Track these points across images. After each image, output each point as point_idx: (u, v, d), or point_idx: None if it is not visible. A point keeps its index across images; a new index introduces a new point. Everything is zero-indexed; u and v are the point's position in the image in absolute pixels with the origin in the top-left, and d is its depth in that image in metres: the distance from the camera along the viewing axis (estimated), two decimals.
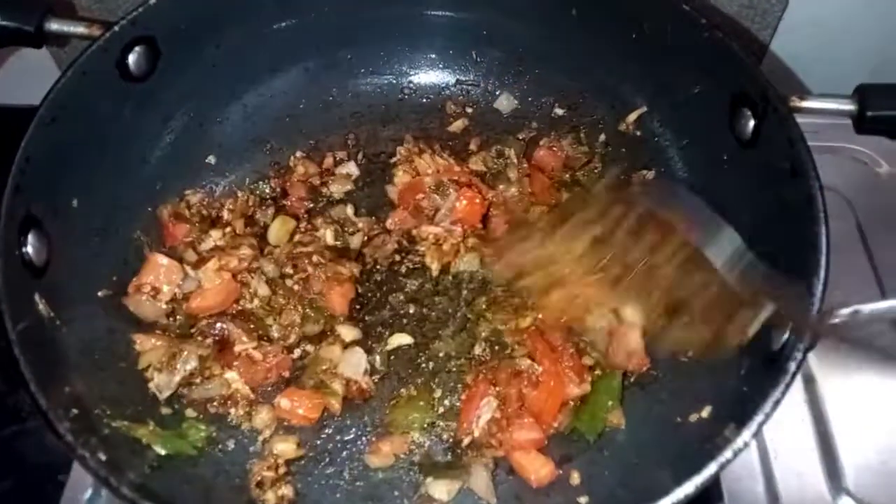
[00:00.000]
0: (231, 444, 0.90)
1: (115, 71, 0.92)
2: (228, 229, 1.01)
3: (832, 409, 0.98)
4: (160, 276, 0.94)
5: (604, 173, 1.08)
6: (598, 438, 0.90)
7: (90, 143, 0.92)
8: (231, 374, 0.91)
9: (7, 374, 0.73)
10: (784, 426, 0.96)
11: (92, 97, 0.91)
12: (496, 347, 0.95)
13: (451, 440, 0.91)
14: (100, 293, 0.93)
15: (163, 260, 0.95)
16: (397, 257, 1.02)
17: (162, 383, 0.89)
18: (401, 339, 0.97)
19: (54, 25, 0.95)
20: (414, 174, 1.04)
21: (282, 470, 0.88)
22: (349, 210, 1.05)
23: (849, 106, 0.91)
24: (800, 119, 0.85)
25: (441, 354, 0.96)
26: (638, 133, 1.08)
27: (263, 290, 0.96)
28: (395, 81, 1.15)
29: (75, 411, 0.77)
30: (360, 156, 1.11)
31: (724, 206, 0.96)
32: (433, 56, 1.15)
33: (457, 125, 1.13)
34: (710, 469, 0.70)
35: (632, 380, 0.94)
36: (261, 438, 0.90)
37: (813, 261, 0.77)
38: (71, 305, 0.86)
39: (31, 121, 0.85)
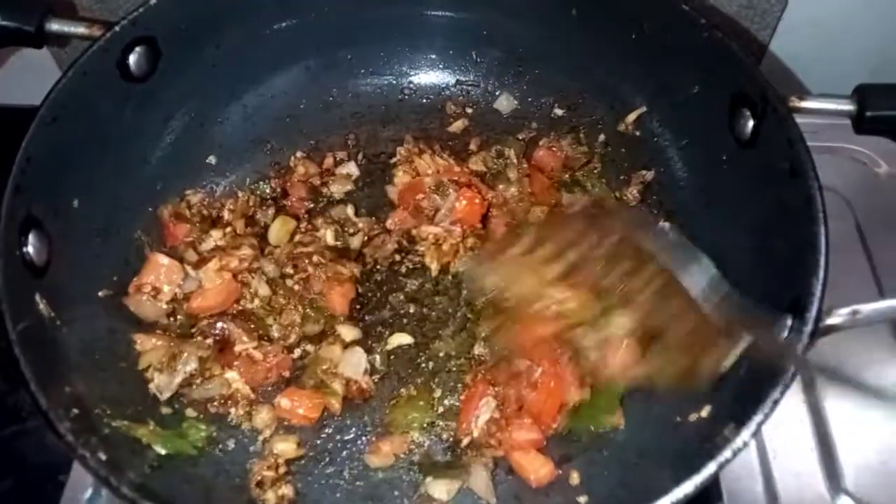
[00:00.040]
0: (231, 444, 0.90)
1: (115, 71, 0.93)
2: (229, 229, 1.01)
3: (831, 410, 0.98)
4: (161, 276, 0.94)
5: (603, 173, 1.08)
6: (597, 438, 0.90)
7: (91, 143, 0.92)
8: (231, 374, 0.91)
9: (7, 373, 0.73)
10: (783, 426, 0.96)
11: (93, 97, 0.91)
12: (496, 347, 0.95)
13: (450, 440, 0.91)
14: (100, 293, 0.93)
15: (163, 260, 0.95)
16: (397, 257, 1.02)
17: (162, 384, 0.89)
18: (401, 339, 0.97)
19: (55, 25, 0.95)
20: (414, 174, 1.04)
21: (282, 469, 0.88)
22: (349, 210, 1.05)
23: (848, 106, 0.91)
24: (799, 119, 0.85)
25: (441, 354, 0.96)
26: (637, 133, 1.08)
27: (264, 290, 0.96)
28: (395, 82, 1.15)
29: (76, 411, 0.77)
30: (360, 156, 1.11)
31: (724, 207, 0.97)
32: (433, 56, 1.15)
33: (457, 125, 1.13)
34: (710, 469, 0.70)
35: None
36: (261, 438, 0.90)
37: (812, 261, 0.77)
38: (71, 305, 0.86)
39: (31, 121, 0.85)
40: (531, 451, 0.88)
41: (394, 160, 1.08)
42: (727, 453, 0.70)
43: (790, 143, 0.83)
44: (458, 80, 1.16)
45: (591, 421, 0.90)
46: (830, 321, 0.76)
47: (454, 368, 0.95)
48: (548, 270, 0.87)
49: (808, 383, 0.99)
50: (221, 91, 1.07)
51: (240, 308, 0.96)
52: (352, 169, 1.09)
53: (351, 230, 1.03)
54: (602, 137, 1.10)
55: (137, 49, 0.94)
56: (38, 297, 0.82)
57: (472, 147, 1.11)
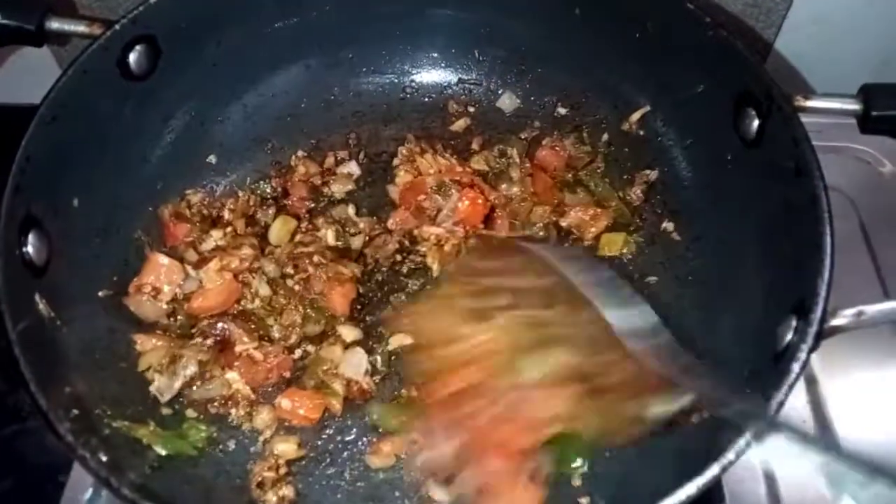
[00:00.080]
0: (232, 445, 0.90)
1: (115, 70, 0.92)
2: (229, 229, 1.01)
3: (834, 410, 0.97)
4: (161, 275, 0.94)
5: (607, 173, 1.07)
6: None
7: (91, 142, 0.92)
8: (232, 375, 0.91)
9: (7, 373, 0.72)
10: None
11: (92, 96, 0.90)
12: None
13: None
14: (100, 293, 0.92)
15: (164, 260, 0.95)
16: (398, 257, 1.02)
17: (163, 386, 0.89)
18: (402, 340, 0.96)
19: (55, 24, 0.95)
20: (416, 174, 1.04)
21: (283, 470, 0.88)
22: (350, 210, 1.05)
23: (853, 105, 0.91)
24: (804, 118, 0.84)
25: None
26: (641, 132, 1.07)
27: (264, 291, 0.96)
28: (396, 80, 1.15)
29: (75, 411, 0.77)
30: (361, 155, 1.11)
31: (728, 206, 0.96)
32: (435, 55, 1.15)
33: (459, 124, 1.13)
34: (713, 470, 0.69)
35: None
36: (261, 439, 0.90)
37: (817, 261, 0.77)
38: (71, 305, 0.85)
39: (31, 120, 0.84)
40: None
41: (395, 160, 1.08)
42: (730, 455, 0.70)
43: (795, 143, 0.82)
44: (460, 79, 1.15)
45: (562, 466, 0.87)
46: (835, 322, 0.75)
47: None
48: (466, 308, 0.83)
49: (811, 382, 0.99)
50: (222, 90, 1.07)
51: (240, 308, 0.96)
52: (353, 168, 1.09)
53: (352, 230, 1.03)
54: (605, 137, 1.09)
55: (137, 47, 0.93)
56: (37, 297, 0.81)
57: (475, 146, 1.10)
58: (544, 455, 0.84)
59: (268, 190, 1.06)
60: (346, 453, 0.90)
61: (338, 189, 1.07)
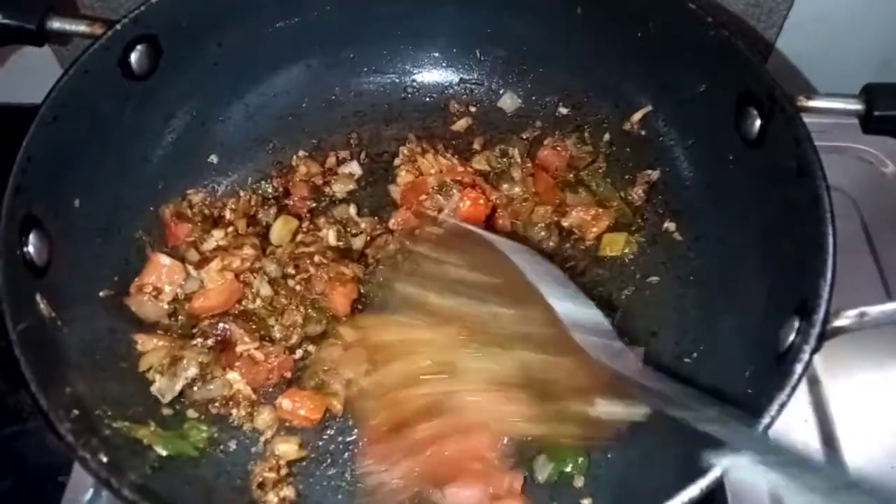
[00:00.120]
0: (233, 445, 0.90)
1: (116, 69, 0.92)
2: (231, 229, 1.01)
3: (837, 411, 0.97)
4: (162, 276, 0.94)
5: (608, 173, 1.07)
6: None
7: (92, 142, 0.92)
8: (233, 375, 0.91)
9: (8, 374, 0.72)
10: (788, 427, 0.95)
11: (94, 96, 0.90)
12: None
13: None
14: (101, 293, 0.92)
15: (165, 260, 0.94)
16: (400, 258, 1.02)
17: (164, 387, 0.89)
18: None
19: (56, 24, 0.95)
20: (417, 174, 1.04)
21: (283, 471, 0.88)
22: (352, 210, 1.04)
23: (856, 105, 0.90)
24: (805, 118, 0.84)
25: None
26: (643, 132, 1.07)
27: (265, 291, 0.96)
28: (398, 80, 1.15)
29: (76, 412, 0.77)
30: (362, 155, 1.10)
31: (730, 206, 0.96)
32: (436, 55, 1.14)
33: (460, 124, 1.13)
34: (715, 472, 0.69)
35: None
36: (262, 439, 0.90)
37: (819, 262, 0.76)
38: (72, 305, 0.85)
39: (32, 120, 0.84)
40: None
41: (397, 160, 1.07)
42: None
43: (797, 143, 0.82)
44: (461, 79, 1.15)
45: (560, 465, 0.88)
46: (838, 323, 0.75)
47: None
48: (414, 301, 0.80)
49: (813, 383, 0.98)
50: (223, 90, 1.07)
51: (241, 308, 0.96)
52: (354, 168, 1.09)
53: (353, 230, 1.03)
54: (607, 137, 1.09)
55: (139, 47, 0.93)
56: (38, 297, 0.81)
57: (476, 146, 1.10)
58: (516, 461, 0.85)
59: (269, 190, 1.06)
60: (347, 454, 0.90)
61: (339, 189, 1.07)
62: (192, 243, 0.99)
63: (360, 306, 0.98)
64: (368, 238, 1.02)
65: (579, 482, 0.87)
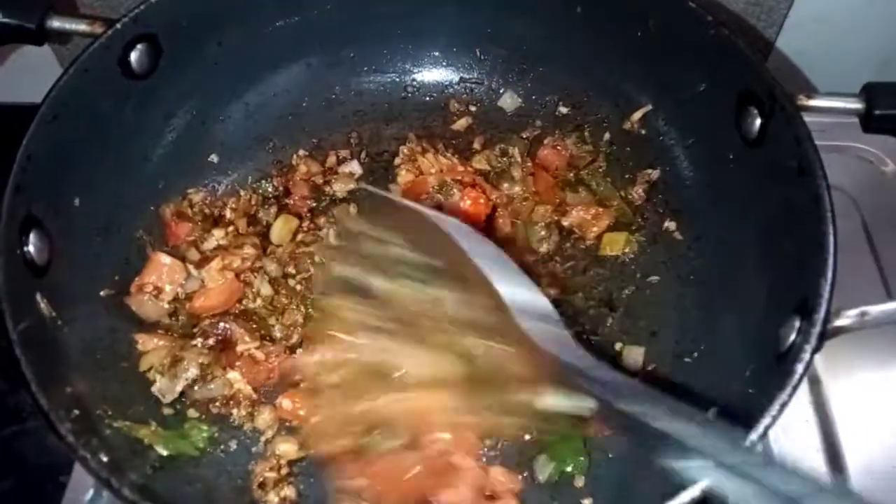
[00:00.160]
0: (233, 445, 0.90)
1: (116, 68, 0.92)
2: (231, 228, 1.01)
3: (838, 411, 0.97)
4: (163, 275, 0.94)
5: (609, 172, 1.07)
6: (602, 440, 0.89)
7: (92, 141, 0.91)
8: (233, 375, 0.91)
9: (8, 373, 0.72)
10: (789, 427, 0.95)
11: (94, 95, 0.90)
12: None
13: None
14: (102, 292, 0.92)
15: (165, 259, 0.94)
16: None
17: (165, 388, 0.89)
18: None
19: (56, 23, 0.95)
20: (417, 173, 1.04)
21: (284, 471, 0.88)
22: (352, 209, 1.04)
23: (856, 104, 0.90)
24: (806, 118, 0.84)
25: None
26: (643, 132, 1.07)
27: (266, 290, 0.96)
28: (398, 79, 1.15)
29: (76, 412, 0.76)
30: (363, 154, 1.10)
31: (730, 206, 0.96)
32: (436, 54, 1.14)
33: (460, 123, 1.12)
34: None
35: (636, 379, 0.93)
36: (263, 439, 0.90)
37: (820, 261, 0.76)
38: (72, 305, 0.85)
39: (32, 119, 0.84)
40: None
41: (397, 159, 1.07)
42: None
43: (798, 142, 0.82)
44: (461, 78, 1.15)
45: (561, 466, 0.87)
46: (839, 323, 0.75)
47: None
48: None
49: (813, 382, 0.98)
50: (223, 89, 1.07)
51: (242, 308, 0.96)
52: (354, 167, 1.09)
53: None
54: (607, 136, 1.09)
55: (139, 46, 0.93)
56: (38, 297, 0.81)
57: (476, 145, 1.10)
58: (517, 461, 0.84)
59: (269, 189, 1.06)
60: None
61: (339, 188, 1.07)
62: (192, 242, 0.99)
63: None
64: None
65: (580, 482, 0.87)
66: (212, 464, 0.88)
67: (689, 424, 0.59)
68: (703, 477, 0.60)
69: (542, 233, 1.02)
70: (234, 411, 0.91)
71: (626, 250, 1.02)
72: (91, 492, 0.90)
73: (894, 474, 0.93)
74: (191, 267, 0.95)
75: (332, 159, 1.09)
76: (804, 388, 0.97)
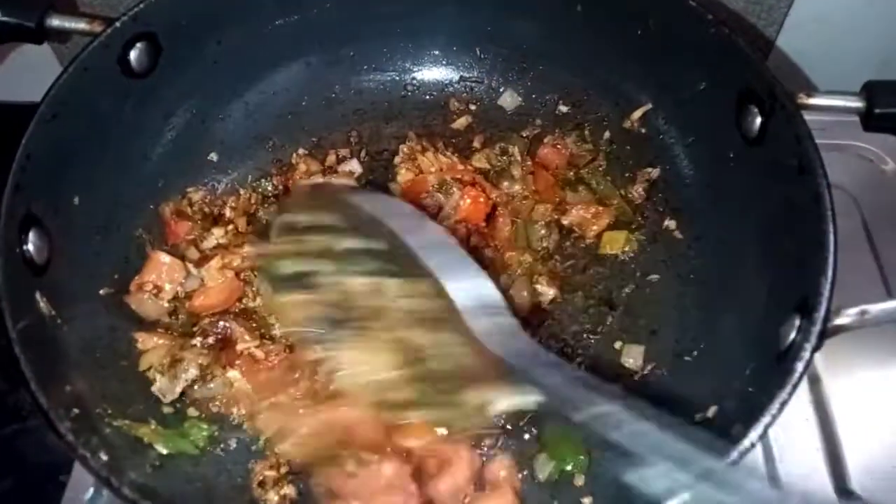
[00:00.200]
0: (233, 444, 0.89)
1: (116, 67, 0.92)
2: (231, 227, 1.01)
3: (838, 410, 0.97)
4: (162, 274, 0.94)
5: (609, 171, 1.07)
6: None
7: (91, 139, 0.91)
8: (233, 374, 0.91)
9: (7, 372, 0.72)
10: (789, 426, 0.95)
11: (93, 93, 0.90)
12: None
13: None
14: (101, 291, 0.92)
15: (165, 258, 0.94)
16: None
17: (165, 388, 0.88)
18: None
19: (55, 21, 0.95)
20: (417, 172, 1.04)
21: (284, 469, 0.87)
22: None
23: (857, 103, 0.90)
24: (806, 116, 0.84)
25: None
26: (643, 130, 1.07)
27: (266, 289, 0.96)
28: (398, 78, 1.14)
29: (76, 410, 0.76)
30: (362, 153, 1.10)
31: (730, 204, 0.96)
32: (436, 53, 1.14)
33: (460, 122, 1.12)
34: None
35: (636, 379, 0.93)
36: (263, 438, 0.90)
37: (820, 260, 0.76)
38: (72, 303, 0.85)
39: (32, 118, 0.84)
40: None
41: (397, 158, 1.07)
42: (733, 455, 0.69)
43: (798, 140, 0.82)
44: (461, 77, 1.15)
45: (561, 464, 0.87)
46: (839, 321, 0.75)
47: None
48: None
49: (813, 381, 0.98)
50: (223, 88, 1.07)
51: (242, 307, 0.95)
52: (354, 166, 1.08)
53: None
54: (607, 135, 1.09)
55: (138, 45, 0.93)
56: (38, 296, 0.81)
57: (476, 144, 1.10)
58: (517, 460, 0.83)
59: (269, 188, 1.06)
60: None
61: None
62: (192, 241, 0.99)
63: None
64: None
65: (580, 481, 0.87)
66: (212, 462, 0.88)
67: (650, 431, 0.56)
68: (666, 489, 0.57)
69: (542, 231, 1.02)
70: (234, 410, 0.90)
71: (626, 249, 1.02)
72: (91, 490, 0.90)
73: (894, 473, 0.93)
74: (190, 266, 0.95)
75: (331, 158, 1.09)
76: (804, 386, 0.97)
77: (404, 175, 1.04)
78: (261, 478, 0.86)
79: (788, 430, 0.95)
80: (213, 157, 1.07)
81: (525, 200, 1.04)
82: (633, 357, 0.94)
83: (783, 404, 0.71)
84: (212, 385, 0.90)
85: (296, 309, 0.76)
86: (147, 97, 0.97)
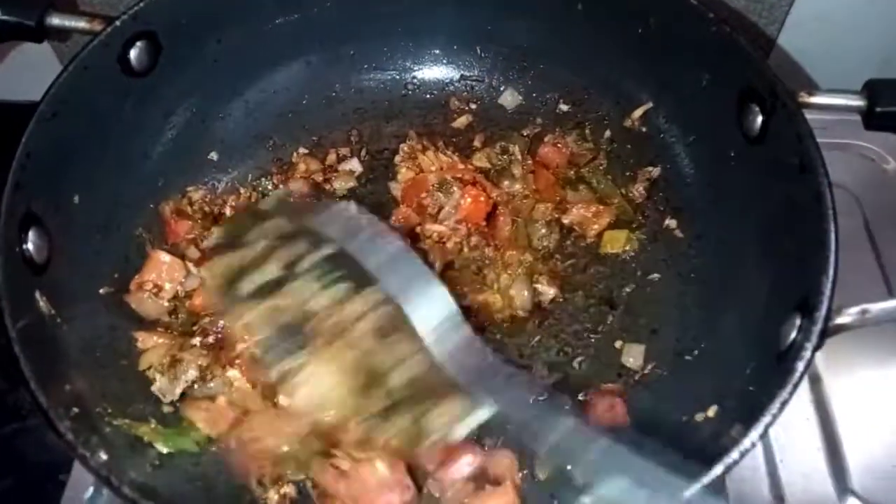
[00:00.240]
0: (233, 443, 0.89)
1: (116, 66, 0.92)
2: None
3: (838, 409, 0.97)
4: (162, 273, 0.94)
5: (609, 170, 1.07)
6: None
7: (91, 138, 0.91)
8: (233, 373, 0.90)
9: (7, 371, 0.72)
10: (790, 426, 0.95)
11: (93, 92, 0.90)
12: None
13: None
14: (101, 290, 0.92)
15: (165, 257, 0.94)
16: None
17: (165, 388, 0.88)
18: None
19: (55, 20, 0.95)
20: (417, 171, 1.03)
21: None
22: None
23: (858, 101, 0.90)
24: (807, 115, 0.84)
25: None
26: (643, 129, 1.07)
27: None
28: (398, 77, 1.14)
29: (76, 410, 0.76)
30: (363, 152, 1.10)
31: (731, 203, 0.96)
32: (437, 51, 1.14)
33: (461, 121, 1.12)
34: (716, 470, 0.69)
35: (636, 378, 0.93)
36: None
37: (821, 259, 0.76)
38: (72, 303, 0.85)
39: (32, 116, 0.84)
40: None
41: (397, 157, 1.07)
42: (734, 455, 0.69)
43: (799, 139, 0.82)
44: (462, 76, 1.15)
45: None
46: (840, 320, 0.75)
47: None
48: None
49: (814, 380, 0.98)
50: (223, 86, 1.06)
51: None
52: (354, 165, 1.08)
53: None
54: (608, 133, 1.09)
55: (138, 44, 0.93)
56: (38, 295, 0.81)
57: (477, 143, 1.10)
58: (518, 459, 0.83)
59: (269, 187, 1.06)
60: None
61: (339, 186, 1.07)
62: (192, 240, 0.99)
63: None
64: None
65: (580, 479, 0.86)
66: (212, 461, 0.87)
67: (607, 456, 0.57)
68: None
69: (543, 231, 1.02)
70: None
71: (627, 248, 1.02)
72: (91, 490, 0.90)
73: (895, 472, 0.92)
74: (190, 265, 0.95)
75: (332, 157, 1.09)
76: (805, 386, 0.97)
77: (405, 174, 1.04)
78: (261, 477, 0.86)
79: (789, 430, 0.95)
80: (214, 156, 1.07)
81: (525, 199, 1.04)
82: (633, 356, 0.94)
83: (784, 404, 0.71)
84: (212, 384, 0.90)
85: (254, 322, 0.76)
86: (147, 96, 0.97)
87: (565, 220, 1.03)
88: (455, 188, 1.01)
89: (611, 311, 0.98)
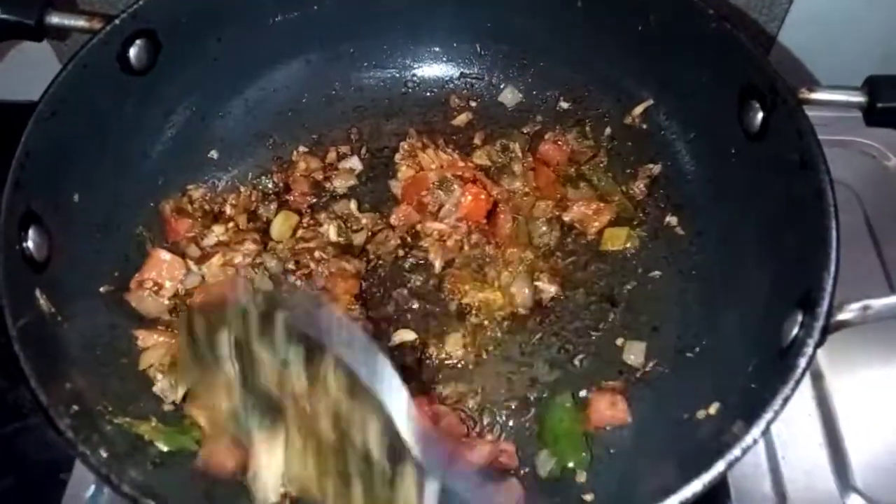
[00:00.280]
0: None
1: (115, 64, 0.92)
2: (231, 224, 1.00)
3: (840, 406, 0.97)
4: (162, 271, 0.94)
5: (610, 167, 1.07)
6: (603, 436, 0.89)
7: (91, 137, 0.91)
8: None
9: (7, 370, 0.72)
10: (792, 422, 0.95)
11: (92, 91, 0.90)
12: None
13: None
14: (101, 289, 0.92)
15: (165, 255, 0.94)
16: (401, 252, 1.01)
17: (166, 388, 0.88)
18: (405, 336, 0.96)
19: (55, 19, 0.95)
20: (418, 169, 1.04)
21: None
22: (352, 205, 1.04)
23: (859, 98, 0.90)
24: (808, 111, 0.84)
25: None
26: (644, 126, 1.07)
27: (266, 286, 0.95)
28: (398, 75, 1.14)
29: (76, 408, 0.76)
30: (363, 150, 1.10)
31: (732, 200, 0.95)
32: (437, 49, 1.14)
33: (461, 119, 1.12)
34: (718, 467, 0.69)
35: (638, 375, 0.93)
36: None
37: (823, 255, 0.76)
38: (72, 301, 0.85)
39: (31, 115, 0.84)
40: None
41: (397, 155, 1.07)
42: (736, 451, 0.69)
43: (800, 135, 0.82)
44: (462, 73, 1.14)
45: (562, 461, 0.87)
46: (841, 317, 0.74)
47: (458, 366, 0.94)
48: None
49: (816, 377, 0.98)
50: (222, 85, 1.06)
51: None
52: (355, 163, 1.08)
53: (354, 226, 1.02)
54: (608, 131, 1.08)
55: (138, 42, 0.93)
56: (38, 293, 0.81)
57: (477, 141, 1.10)
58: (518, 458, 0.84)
59: (269, 185, 1.06)
60: None
61: (340, 184, 1.06)
62: (192, 239, 0.99)
63: (361, 302, 0.98)
64: (369, 234, 1.02)
65: (581, 477, 0.87)
66: None
67: None
68: None
69: (544, 228, 1.02)
70: None
71: (628, 245, 1.02)
72: (92, 488, 0.90)
73: None
74: (191, 263, 0.95)
75: (332, 155, 1.09)
76: (807, 382, 0.96)
77: (405, 172, 1.04)
78: None
79: (791, 427, 0.95)
80: (214, 154, 1.07)
81: (526, 197, 1.04)
82: (634, 354, 0.94)
83: (786, 400, 0.71)
84: None
85: (220, 391, 0.74)
86: (147, 94, 0.97)
87: (566, 218, 1.03)
88: (455, 186, 1.01)
89: (612, 308, 0.98)
